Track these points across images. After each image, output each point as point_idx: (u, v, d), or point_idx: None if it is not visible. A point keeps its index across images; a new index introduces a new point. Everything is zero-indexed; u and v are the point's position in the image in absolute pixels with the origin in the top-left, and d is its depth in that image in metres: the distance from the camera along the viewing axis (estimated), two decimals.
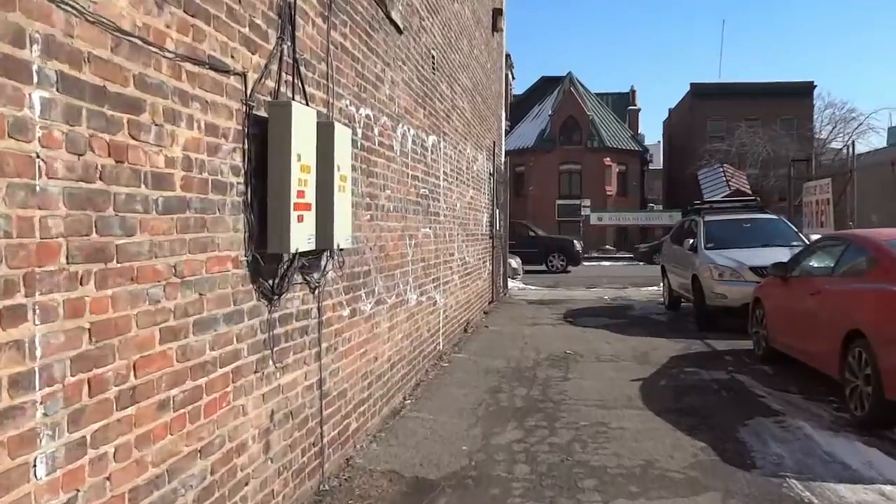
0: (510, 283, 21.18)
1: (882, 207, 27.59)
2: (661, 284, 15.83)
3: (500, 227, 16.46)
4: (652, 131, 68.53)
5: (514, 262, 23.53)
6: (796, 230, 12.96)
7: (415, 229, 7.41)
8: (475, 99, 12.36)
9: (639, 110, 53.24)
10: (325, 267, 4.58)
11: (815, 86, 47.17)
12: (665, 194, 59.18)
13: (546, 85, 51.49)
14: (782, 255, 11.48)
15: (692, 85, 48.81)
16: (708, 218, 13.13)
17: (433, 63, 8.45)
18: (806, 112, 46.72)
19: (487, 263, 14.28)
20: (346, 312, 5.08)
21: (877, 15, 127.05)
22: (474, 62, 12.19)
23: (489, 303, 14.58)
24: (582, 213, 40.79)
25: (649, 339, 10.73)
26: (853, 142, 20.28)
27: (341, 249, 4.59)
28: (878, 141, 46.86)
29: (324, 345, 4.62)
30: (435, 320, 8.59)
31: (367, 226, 5.63)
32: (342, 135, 4.45)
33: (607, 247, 44.05)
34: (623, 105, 52.71)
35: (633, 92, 53.64)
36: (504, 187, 17.45)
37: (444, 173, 9.22)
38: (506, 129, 49.38)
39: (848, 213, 14.20)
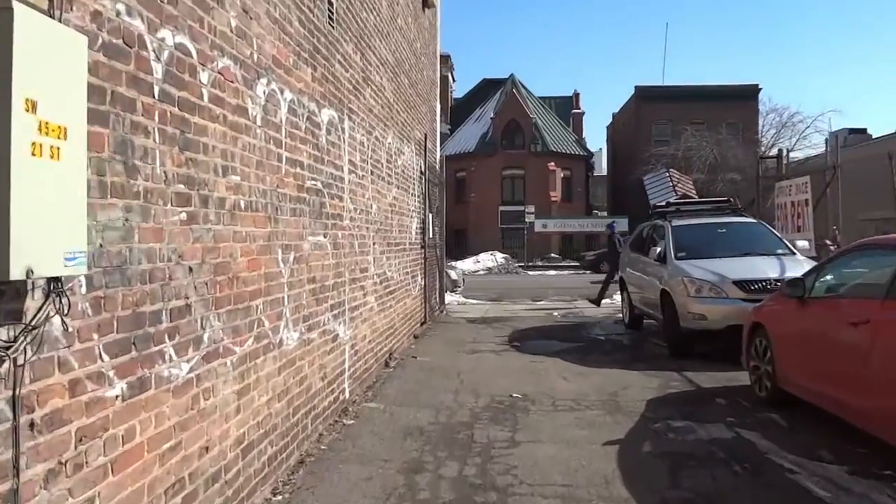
0: (449, 298, 19.05)
1: (873, 206, 26.10)
2: (620, 299, 13.84)
3: (435, 234, 14.26)
4: (594, 139, 67.64)
5: (455, 273, 21.44)
6: (779, 236, 11.08)
7: (296, 238, 5.14)
8: (400, 79, 10.15)
9: (583, 114, 51.88)
10: (31, 313, 2.29)
11: (761, 89, 46.48)
12: (610, 201, 57.98)
13: (488, 87, 49.69)
14: (768, 266, 9.60)
15: (637, 88, 47.61)
16: (676, 223, 11.16)
17: (331, 11, 6.20)
18: (751, 115, 45.91)
19: (419, 278, 12.06)
20: (114, 391, 2.78)
21: (820, 18, 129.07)
22: (398, 34, 9.98)
23: (421, 324, 12.36)
24: (526, 220, 38.96)
25: (616, 373, 8.63)
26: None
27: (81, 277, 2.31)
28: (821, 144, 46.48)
29: (37, 468, 2.32)
30: (336, 361, 6.31)
31: (178, 232, 3.34)
32: (49, 42, 2.17)
33: (552, 255, 42.32)
34: (566, 109, 51.26)
35: (576, 95, 52.24)
36: (440, 189, 15.29)
37: (351, 163, 6.96)
38: (446, 133, 47.47)
39: (831, 215, 12.46)
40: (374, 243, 8.08)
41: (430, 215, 13.31)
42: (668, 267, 10.23)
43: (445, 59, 48.86)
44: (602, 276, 19.05)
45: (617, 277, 15.71)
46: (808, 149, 57.37)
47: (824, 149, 46.52)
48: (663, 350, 10.35)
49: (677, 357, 9.59)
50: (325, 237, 5.93)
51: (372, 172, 8.00)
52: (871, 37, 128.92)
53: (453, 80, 52.12)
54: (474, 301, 19.40)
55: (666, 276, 10.16)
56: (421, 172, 12.31)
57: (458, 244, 42.61)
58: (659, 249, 10.60)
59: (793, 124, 41.23)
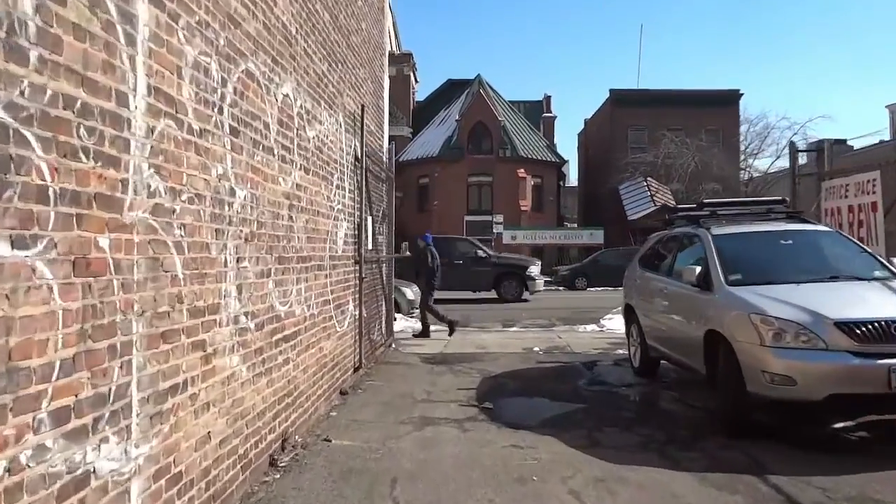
0: (404, 324, 15.50)
1: None
2: (626, 332, 10.41)
3: (380, 246, 10.74)
4: (564, 149, 64.24)
5: (412, 293, 17.90)
6: (870, 251, 7.71)
7: None
8: (313, 6, 6.61)
9: (554, 118, 48.63)
10: None
11: (742, 94, 43.85)
12: (581, 212, 54.93)
13: (453, 89, 46.32)
14: (879, 297, 6.24)
15: (612, 91, 44.62)
16: (718, 231, 7.73)
17: None
18: (732, 122, 43.25)
19: (350, 307, 8.51)
20: None
21: (803, 20, 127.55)
22: None
23: (355, 370, 8.79)
24: (494, 231, 35.59)
25: (658, 479, 5.13)
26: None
27: None
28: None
29: None
30: None
31: None
32: None
33: None
34: (537, 115, 48.07)
35: (547, 99, 49.06)
36: (388, 188, 11.77)
37: (162, 94, 3.41)
38: (407, 136, 44.04)
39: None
40: (240, 258, 4.52)
41: (371, 219, 9.77)
42: (716, 296, 6.80)
43: (406, 57, 45.49)
44: (581, 296, 15.71)
45: (431, 300, 13.61)
46: (783, 159, 55.01)
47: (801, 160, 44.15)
48: (703, 416, 6.94)
49: (736, 436, 6.18)
50: (35, 250, 2.37)
51: (235, 130, 4.44)
52: (850, 45, 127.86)
53: (416, 80, 48.69)
54: (434, 327, 15.86)
55: (715, 311, 6.73)
56: (356, 159, 8.79)
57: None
58: (698, 270, 7.15)
59: (779, 130, 38.51)
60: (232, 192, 4.36)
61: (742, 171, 40.75)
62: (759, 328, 5.95)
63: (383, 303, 11.27)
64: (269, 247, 5.14)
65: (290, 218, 5.75)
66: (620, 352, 11.39)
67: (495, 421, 6.94)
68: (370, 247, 9.64)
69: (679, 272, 7.68)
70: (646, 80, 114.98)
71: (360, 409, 7.38)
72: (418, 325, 15.87)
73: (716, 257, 7.17)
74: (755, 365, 5.93)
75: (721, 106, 43.31)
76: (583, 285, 31.11)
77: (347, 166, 8.29)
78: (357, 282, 8.78)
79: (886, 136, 41.67)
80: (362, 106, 9.05)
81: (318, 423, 6.59)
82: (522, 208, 40.11)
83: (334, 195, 7.51)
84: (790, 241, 7.54)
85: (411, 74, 45.91)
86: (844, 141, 48.17)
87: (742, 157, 41.10)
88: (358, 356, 8.87)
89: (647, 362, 9.17)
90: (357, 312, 8.82)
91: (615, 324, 15.40)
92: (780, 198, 9.08)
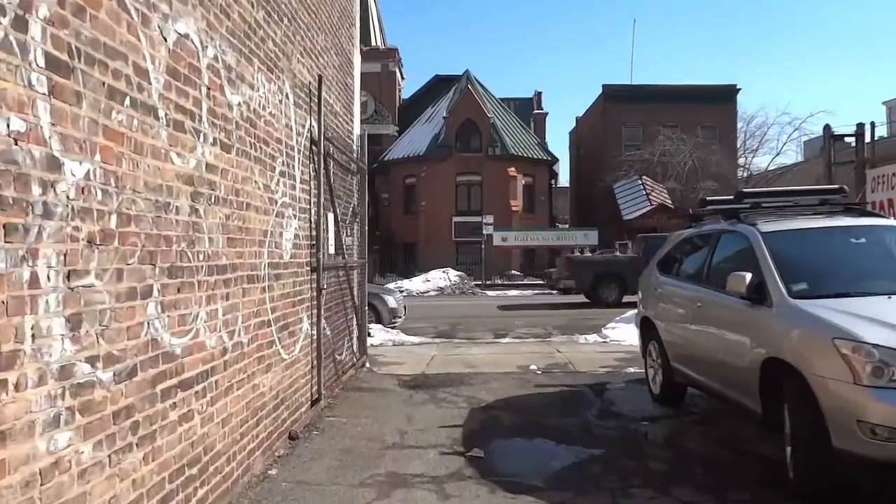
0: (383, 336, 13.84)
1: None
2: (641, 346, 8.74)
3: (349, 250, 9.07)
4: (555, 148, 62.25)
5: (393, 300, 16.25)
6: None
7: None
8: None
9: (545, 115, 46.98)
10: None
11: (739, 89, 42.39)
12: (573, 212, 53.39)
13: (440, 85, 44.66)
14: None
15: (605, 87, 43.07)
16: (769, 227, 6.05)
17: None
18: (729, 118, 41.81)
19: (305, 325, 6.81)
20: None
21: (800, 15, 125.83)
22: None
23: (313, 403, 7.10)
24: (484, 233, 33.90)
25: None
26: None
27: None
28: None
29: None
30: None
31: None
32: None
33: (513, 272, 37.36)
34: (527, 112, 46.45)
35: (538, 95, 47.44)
36: (360, 180, 10.09)
37: None
38: (393, 134, 42.34)
39: None
40: (74, 272, 2.81)
41: (334, 217, 8.08)
42: (776, 312, 5.14)
43: (392, 52, 43.82)
44: (577, 301, 14.03)
45: None
46: (782, 156, 53.67)
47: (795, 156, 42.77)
48: (757, 467, 5.28)
49: (816, 500, 4.54)
50: None
51: (60, 64, 2.74)
52: (847, 40, 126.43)
53: (402, 77, 47.00)
54: (416, 339, 14.19)
55: (777, 332, 5.08)
56: (312, 142, 7.10)
57: (407, 260, 37.45)
58: (749, 277, 5.47)
59: (780, 126, 37.04)
60: (52, 164, 2.67)
61: (741, 169, 39.25)
62: (850, 360, 4.29)
63: (354, 316, 9.58)
64: (147, 253, 3.45)
65: (195, 211, 4.06)
66: (632, 370, 9.76)
67: (487, 478, 5.26)
68: (332, 250, 7.95)
69: (718, 279, 6.02)
70: (639, 76, 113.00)
71: (310, 463, 5.67)
72: (401, 337, 14.19)
73: (770, 261, 5.51)
74: (846, 411, 4.27)
75: (718, 101, 41.84)
76: (577, 287, 29.40)
77: (299, 150, 6.61)
78: (314, 294, 7.09)
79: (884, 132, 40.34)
80: (319, 77, 7.35)
81: (246, 491, 4.89)
82: (513, 208, 38.47)
83: (277, 184, 5.82)
84: (862, 240, 5.89)
85: (397, 70, 44.23)
86: (843, 137, 46.59)
87: (740, 153, 39.61)
88: (316, 386, 7.17)
89: (671, 389, 7.51)
90: (315, 332, 7.13)
91: (619, 334, 13.77)
92: (836, 186, 7.40)
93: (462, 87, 40.23)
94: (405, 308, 16.96)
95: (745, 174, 38.75)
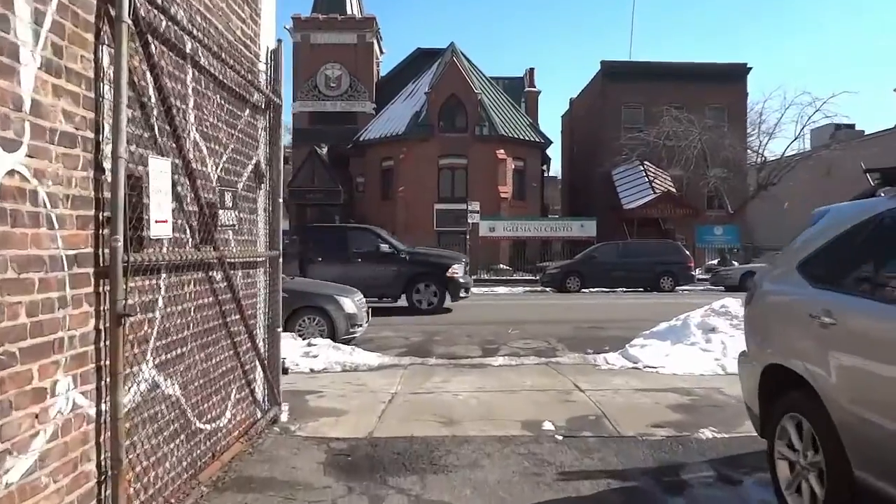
0: (331, 357, 10.03)
1: None
2: (769, 435, 4.80)
3: (229, 233, 5.13)
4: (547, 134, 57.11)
5: (351, 304, 12.46)
6: None
7: None
8: None
9: (538, 93, 43.00)
10: None
11: (750, 68, 38.73)
12: (565, 201, 49.62)
13: (423, 59, 40.68)
14: None
15: (603, 63, 39.30)
16: None
17: None
18: (739, 99, 38.19)
19: (62, 400, 2.90)
20: None
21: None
22: None
23: None
24: (469, 222, 30.02)
25: None
26: None
27: None
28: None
29: None
30: None
31: None
32: None
33: (501, 266, 33.56)
34: (518, 92, 42.50)
35: (530, 72, 43.42)
36: (270, 125, 6.16)
37: None
38: (371, 112, 38.31)
39: None
40: None
41: (165, 166, 4.15)
42: None
43: (369, 21, 39.75)
44: (578, 303, 10.04)
45: None
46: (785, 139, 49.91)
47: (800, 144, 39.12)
48: None
49: None
50: None
51: None
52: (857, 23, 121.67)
53: (381, 51, 42.97)
54: (376, 359, 10.34)
55: None
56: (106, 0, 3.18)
57: None
58: None
59: (799, 106, 33.37)
60: None
61: (754, 155, 35.60)
62: None
63: (252, 346, 5.68)
64: None
65: None
66: (708, 435, 6.04)
67: None
68: (168, 232, 4.03)
69: None
70: (639, 54, 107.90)
71: None
72: (356, 358, 10.31)
73: None
74: None
75: (726, 81, 38.28)
76: (575, 287, 25.79)
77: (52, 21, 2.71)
78: (98, 327, 3.21)
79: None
80: None
81: None
82: (502, 195, 34.63)
83: None
84: None
85: (375, 42, 40.22)
86: (853, 125, 42.46)
87: (754, 137, 35.92)
88: None
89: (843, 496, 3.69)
90: (100, 406, 3.25)
91: (653, 355, 10.03)
92: None
93: (447, 59, 36.25)
94: (368, 313, 13.12)
95: (759, 160, 35.09)
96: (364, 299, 13.31)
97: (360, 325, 12.54)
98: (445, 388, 8.22)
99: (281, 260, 6.33)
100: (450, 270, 17.60)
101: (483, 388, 8.21)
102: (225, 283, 4.99)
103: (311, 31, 39.28)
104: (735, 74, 38.58)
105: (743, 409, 5.18)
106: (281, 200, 6.32)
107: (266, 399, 6.13)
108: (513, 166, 35.87)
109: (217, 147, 4.94)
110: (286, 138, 51.67)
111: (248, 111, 5.65)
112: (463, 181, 35.01)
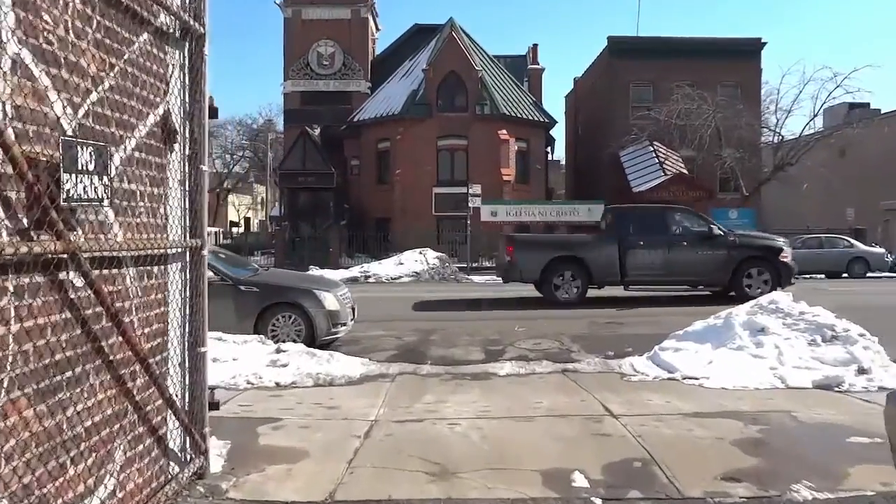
0: (304, 366, 8.31)
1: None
2: None
3: (143, 215, 3.30)
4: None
5: (333, 299, 10.79)
6: None
7: None
8: None
9: (542, 70, 40.91)
10: None
11: (765, 43, 36.75)
12: (571, 184, 47.74)
13: (420, 36, 38.70)
14: None
15: (610, 39, 37.30)
16: None
17: None
18: (753, 77, 36.21)
19: None
20: None
21: None
22: None
23: None
24: (470, 206, 28.19)
25: None
26: None
27: None
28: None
29: None
30: None
31: None
32: None
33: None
34: (520, 71, 40.47)
35: (533, 49, 41.34)
36: (185, 61, 4.31)
37: None
38: (366, 92, 36.42)
39: None
40: None
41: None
42: None
43: None
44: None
45: None
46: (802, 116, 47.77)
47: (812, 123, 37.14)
48: None
49: None
50: None
51: None
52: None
53: (377, 28, 40.98)
54: (358, 369, 8.59)
55: None
56: None
57: (381, 239, 31.64)
58: None
59: (819, 82, 31.40)
60: None
61: (771, 133, 33.69)
62: None
63: (145, 380, 3.90)
64: None
65: None
66: (806, 494, 4.25)
67: None
68: None
69: None
70: (646, 30, 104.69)
71: None
72: (333, 368, 8.55)
73: None
74: None
75: (740, 58, 36.27)
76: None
77: None
78: None
79: None
80: None
81: None
82: (504, 178, 32.78)
83: None
84: None
85: (370, 18, 38.22)
86: (867, 104, 39.93)
87: (771, 114, 33.96)
88: None
89: None
90: None
91: (694, 363, 8.32)
92: None
93: (445, 35, 34.27)
94: (354, 309, 11.39)
95: (776, 139, 33.17)
96: (349, 293, 11.57)
97: (345, 324, 10.83)
98: (440, 411, 6.47)
99: (207, 252, 4.54)
100: (782, 254, 15.87)
101: (487, 411, 6.45)
102: (90, 292, 3.21)
103: (303, 6, 37.22)
104: (749, 50, 36.59)
105: (842, 450, 3.59)
106: (206, 169, 4.53)
107: (186, 448, 4.37)
108: (516, 147, 33.98)
109: (77, 80, 3.16)
110: (278, 122, 49.54)
111: (146, 37, 3.86)
112: (463, 163, 33.13)
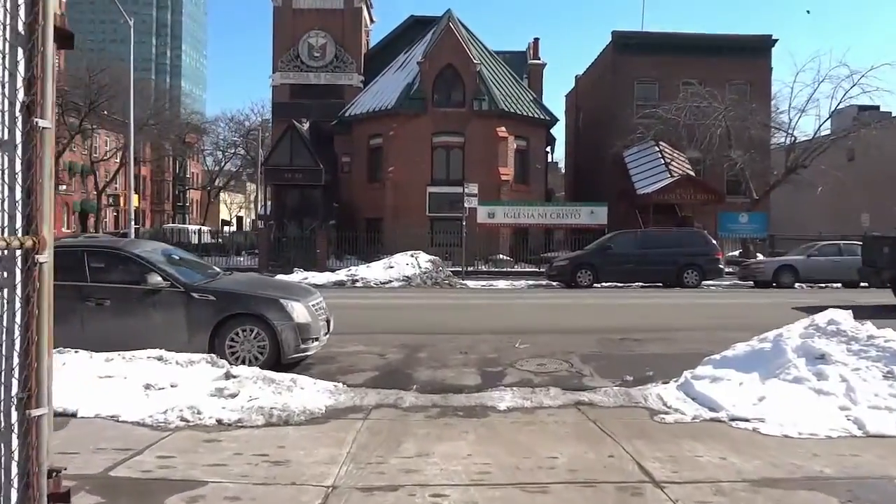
0: (257, 397, 6.61)
1: None
2: None
3: None
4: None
5: (304, 310, 9.14)
6: None
7: None
8: None
9: (543, 66, 39.26)
10: None
11: (776, 41, 35.22)
12: (571, 185, 46.21)
13: (417, 28, 37.09)
14: None
15: (615, 34, 35.78)
16: None
17: None
18: (763, 75, 34.74)
19: None
20: None
21: None
22: None
23: None
24: (466, 206, 26.56)
25: None
26: None
27: None
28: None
29: None
30: None
31: None
32: None
33: (501, 256, 30.14)
34: (520, 68, 38.87)
35: (535, 43, 39.70)
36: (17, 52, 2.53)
37: None
38: (358, 86, 34.76)
39: None
40: None
41: None
42: None
43: None
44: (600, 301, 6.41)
45: None
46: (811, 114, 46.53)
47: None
48: None
49: None
50: None
51: None
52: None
53: (371, 19, 39.35)
54: (324, 400, 6.94)
55: None
56: None
57: (372, 240, 29.98)
58: None
59: (835, 80, 29.81)
60: None
61: (783, 134, 32.11)
62: None
63: None
64: None
65: None
66: None
67: None
68: None
69: None
70: (651, 27, 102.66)
71: None
72: (296, 398, 6.90)
73: None
74: None
75: (749, 55, 34.86)
76: (587, 281, 22.44)
77: None
78: None
79: None
80: None
81: None
82: (503, 178, 31.15)
83: None
84: None
85: (364, 8, 36.59)
86: (878, 107, 37.75)
87: (783, 114, 32.40)
88: None
89: None
90: None
91: (736, 397, 6.76)
92: None
93: (442, 27, 32.64)
94: (329, 321, 9.75)
95: (789, 140, 31.59)
96: (324, 302, 9.90)
97: (317, 339, 9.18)
98: (422, 471, 4.85)
99: (49, 256, 2.88)
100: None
101: (485, 473, 4.83)
102: None
103: None
104: (759, 47, 35.12)
105: None
106: (47, 126, 2.88)
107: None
108: (515, 146, 32.35)
109: None
110: (265, 110, 47.21)
111: None
112: (459, 161, 31.47)
